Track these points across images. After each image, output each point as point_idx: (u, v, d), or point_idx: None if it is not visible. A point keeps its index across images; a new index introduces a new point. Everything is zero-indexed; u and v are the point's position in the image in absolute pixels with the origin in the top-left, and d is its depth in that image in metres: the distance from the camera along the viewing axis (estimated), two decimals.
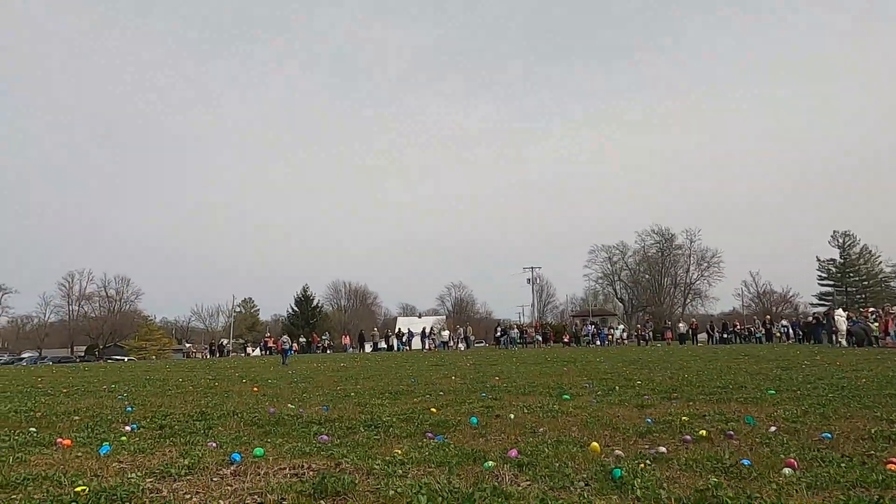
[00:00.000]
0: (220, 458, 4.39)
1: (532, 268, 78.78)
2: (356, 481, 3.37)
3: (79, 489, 3.36)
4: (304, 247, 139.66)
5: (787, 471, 3.61)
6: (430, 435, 5.37)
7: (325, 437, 5.36)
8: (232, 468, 4.07)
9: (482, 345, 62.84)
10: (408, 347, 43.57)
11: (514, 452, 4.15)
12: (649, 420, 5.98)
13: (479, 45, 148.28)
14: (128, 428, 6.24)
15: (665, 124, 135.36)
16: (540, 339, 42.51)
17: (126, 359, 62.80)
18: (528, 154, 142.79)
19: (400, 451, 4.51)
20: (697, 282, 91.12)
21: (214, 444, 5.06)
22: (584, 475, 3.47)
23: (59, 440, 5.38)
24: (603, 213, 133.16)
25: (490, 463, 3.79)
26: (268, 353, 43.28)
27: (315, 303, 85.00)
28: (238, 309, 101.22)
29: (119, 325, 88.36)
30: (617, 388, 9.37)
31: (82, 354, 78.05)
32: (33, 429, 6.35)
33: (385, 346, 44.56)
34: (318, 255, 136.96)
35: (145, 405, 8.71)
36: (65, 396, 10.71)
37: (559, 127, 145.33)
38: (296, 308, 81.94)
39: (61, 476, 3.84)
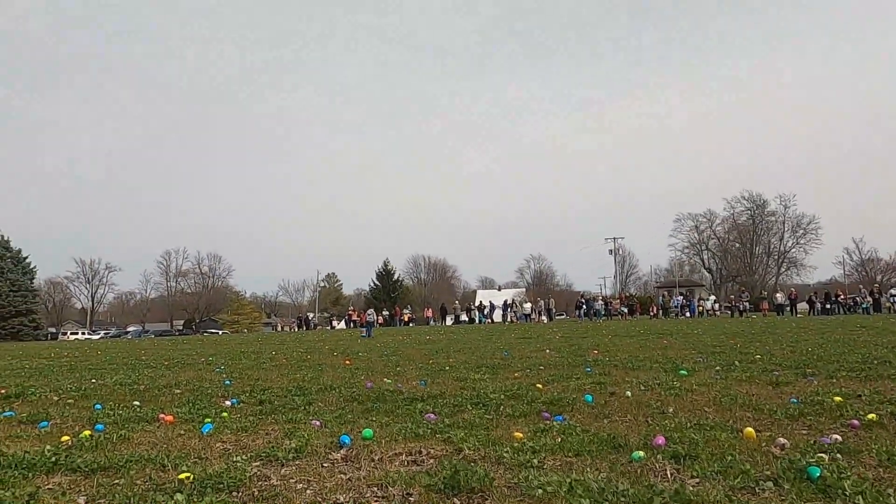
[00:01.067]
0: (327, 441, 4.02)
1: (614, 238, 76.51)
2: (490, 474, 2.87)
3: (182, 476, 3.05)
4: (384, 221, 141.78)
5: None
6: (545, 415, 4.86)
7: (431, 415, 4.94)
8: (342, 452, 3.69)
9: (563, 317, 61.72)
10: (489, 320, 43.22)
11: (660, 440, 3.54)
12: (794, 400, 5.21)
13: (560, 10, 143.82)
14: (228, 403, 6.08)
15: (756, 81, 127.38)
16: (626, 310, 41.19)
17: (220, 332, 65.97)
18: (608, 119, 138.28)
19: (521, 435, 4.01)
20: (792, 250, 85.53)
21: (318, 423, 4.73)
22: (768, 472, 2.83)
23: (162, 416, 5.22)
24: (688, 179, 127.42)
25: (640, 453, 3.20)
26: (352, 325, 44.02)
27: (396, 277, 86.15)
28: (322, 284, 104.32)
29: (213, 299, 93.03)
30: (736, 362, 8.51)
31: (180, 328, 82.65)
32: (137, 402, 6.31)
33: (466, 318, 44.41)
34: (397, 229, 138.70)
35: (243, 378, 8.66)
36: (166, 369, 10.92)
37: (644, 89, 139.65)
38: (377, 282, 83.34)
39: (164, 458, 3.57)
